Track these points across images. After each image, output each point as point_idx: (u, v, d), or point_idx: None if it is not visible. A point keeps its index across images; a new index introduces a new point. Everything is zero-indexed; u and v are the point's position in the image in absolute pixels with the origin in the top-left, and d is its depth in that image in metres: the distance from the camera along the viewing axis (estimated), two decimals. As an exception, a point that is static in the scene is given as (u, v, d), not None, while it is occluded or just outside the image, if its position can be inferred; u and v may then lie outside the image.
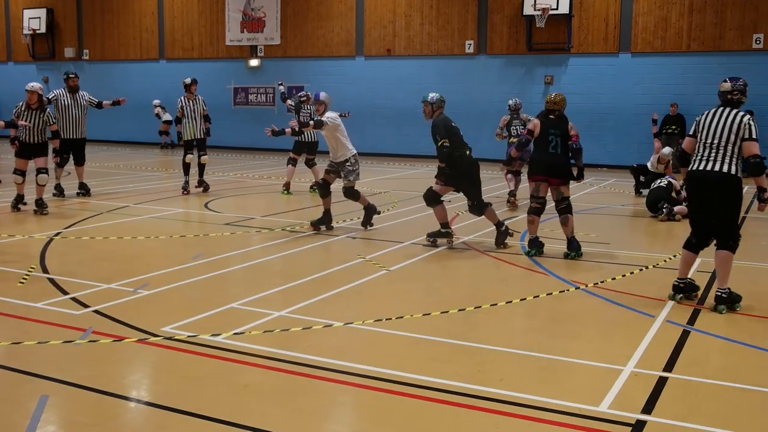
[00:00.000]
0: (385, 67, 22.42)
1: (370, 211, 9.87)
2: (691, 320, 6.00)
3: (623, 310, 6.31)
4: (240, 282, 7.19)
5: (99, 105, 12.97)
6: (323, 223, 9.70)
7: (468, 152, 8.73)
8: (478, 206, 8.80)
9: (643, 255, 8.63)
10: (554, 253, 8.60)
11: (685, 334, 5.62)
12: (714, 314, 6.22)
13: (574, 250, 8.35)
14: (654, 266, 7.97)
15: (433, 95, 8.83)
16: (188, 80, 13.14)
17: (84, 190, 12.70)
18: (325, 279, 7.23)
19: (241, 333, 5.47)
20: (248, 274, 7.45)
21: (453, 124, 8.72)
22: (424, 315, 6.02)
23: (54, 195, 12.41)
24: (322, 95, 9.84)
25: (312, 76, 23.48)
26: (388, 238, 9.33)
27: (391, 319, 5.90)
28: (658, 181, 11.84)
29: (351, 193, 9.77)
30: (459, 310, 6.18)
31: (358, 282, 7.13)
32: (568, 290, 6.93)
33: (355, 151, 9.75)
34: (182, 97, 13.12)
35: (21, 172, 10.97)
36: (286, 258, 8.19)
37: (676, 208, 11.13)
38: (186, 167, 13.34)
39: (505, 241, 8.86)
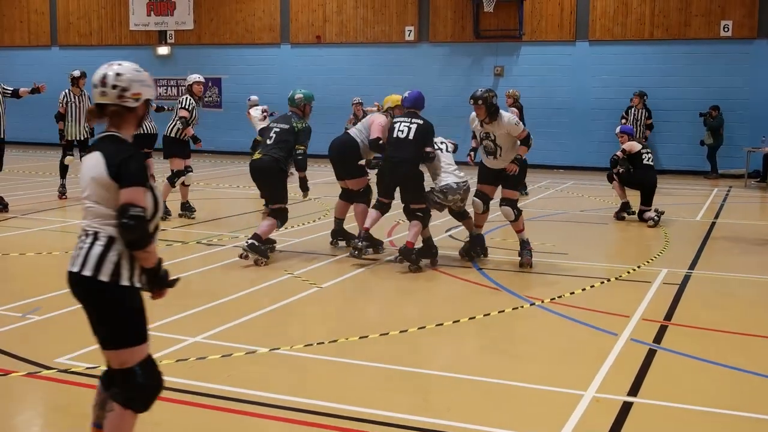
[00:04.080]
0: (314, 56, 22.42)
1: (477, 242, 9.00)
2: (658, 338, 6.15)
3: (583, 328, 6.43)
4: (148, 304, 7.06)
5: (15, 94, 12.01)
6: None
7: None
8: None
9: (604, 266, 8.82)
10: (506, 266, 8.71)
11: (651, 354, 5.76)
12: (681, 331, 6.39)
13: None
14: (617, 278, 8.15)
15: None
16: (77, 72, 13.18)
17: (2, 205, 11.85)
18: (247, 299, 7.18)
19: (150, 363, 5.38)
20: (158, 295, 7.33)
21: None
22: (360, 338, 6.03)
23: None
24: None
25: (231, 66, 23.32)
26: (320, 250, 9.30)
27: (323, 343, 5.89)
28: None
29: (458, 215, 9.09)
30: (400, 332, 6.21)
31: (286, 302, 7.10)
32: (521, 307, 7.03)
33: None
34: (67, 91, 13.13)
35: (184, 173, 11.33)
36: (202, 275, 8.11)
37: (645, 215, 11.44)
38: (64, 170, 13.45)
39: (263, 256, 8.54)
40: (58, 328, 6.23)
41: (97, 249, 3.37)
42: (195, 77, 11.50)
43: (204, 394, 4.87)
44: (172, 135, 11.30)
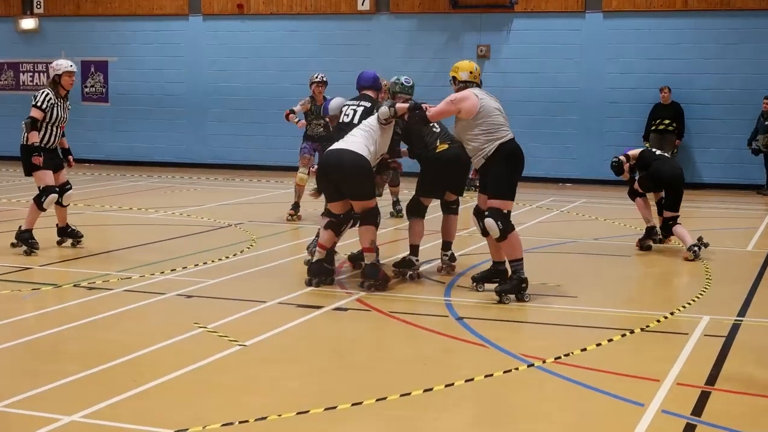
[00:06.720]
0: (234, 31, 22.42)
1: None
2: (697, 409, 6.19)
3: (599, 396, 6.45)
4: (6, 371, 6.98)
5: None
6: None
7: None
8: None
9: (625, 313, 8.87)
10: (496, 315, 8.74)
11: (688, 429, 5.79)
12: (728, 398, 6.44)
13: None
14: (642, 330, 8.20)
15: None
16: None
17: None
18: (144, 361, 7.12)
19: (10, 452, 5.32)
20: (19, 358, 7.24)
21: None
22: (298, 414, 6.00)
23: None
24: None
25: (121, 45, 23.20)
26: (242, 295, 9.26)
27: (247, 421, 5.85)
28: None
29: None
30: (353, 405, 6.19)
31: (197, 365, 7.04)
32: (516, 369, 7.04)
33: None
34: None
35: (56, 190, 11.41)
36: (82, 331, 8.03)
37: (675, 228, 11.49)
38: None
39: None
40: None
41: None
42: (66, 65, 11.21)
43: (84, 493, 4.81)
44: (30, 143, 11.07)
